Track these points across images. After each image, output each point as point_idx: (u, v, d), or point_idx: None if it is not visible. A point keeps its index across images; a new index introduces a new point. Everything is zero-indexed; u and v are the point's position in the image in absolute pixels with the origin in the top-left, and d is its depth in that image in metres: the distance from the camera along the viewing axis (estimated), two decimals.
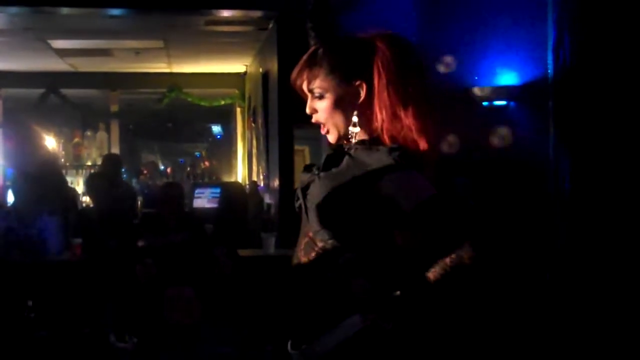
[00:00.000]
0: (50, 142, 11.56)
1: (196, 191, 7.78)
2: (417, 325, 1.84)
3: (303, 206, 1.91)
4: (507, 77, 4.78)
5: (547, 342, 4.27)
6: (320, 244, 1.85)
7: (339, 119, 1.90)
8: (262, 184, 8.68)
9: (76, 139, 11.82)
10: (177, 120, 14.80)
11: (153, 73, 11.16)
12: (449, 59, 4.60)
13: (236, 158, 12.32)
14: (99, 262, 4.94)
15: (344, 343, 1.79)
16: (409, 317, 1.81)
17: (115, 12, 7.03)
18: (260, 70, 8.87)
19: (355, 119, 1.89)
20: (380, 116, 1.86)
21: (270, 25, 7.47)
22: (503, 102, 4.77)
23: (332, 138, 1.95)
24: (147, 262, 4.48)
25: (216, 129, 16.67)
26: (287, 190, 6.99)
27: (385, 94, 1.85)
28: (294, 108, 2.03)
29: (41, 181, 5.63)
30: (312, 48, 1.96)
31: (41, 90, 11.13)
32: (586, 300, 4.23)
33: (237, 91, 11.41)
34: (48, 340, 4.59)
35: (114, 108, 12.03)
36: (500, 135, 4.73)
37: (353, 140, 1.90)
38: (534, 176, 4.59)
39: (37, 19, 7.63)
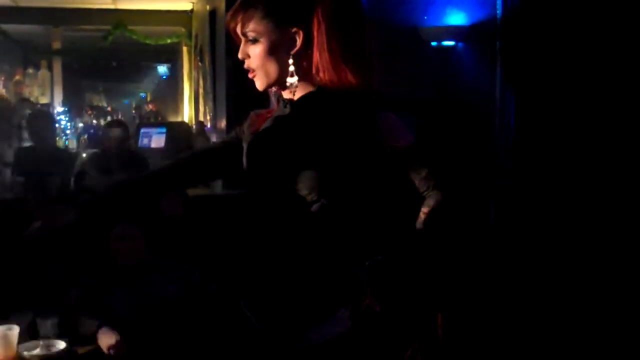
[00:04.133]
0: None
1: (142, 131, 7.63)
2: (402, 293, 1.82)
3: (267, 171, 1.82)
4: (456, 17, 4.77)
5: (489, 281, 4.36)
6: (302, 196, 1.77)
7: (271, 66, 1.80)
8: (209, 125, 8.60)
9: (17, 77, 11.54)
10: (122, 59, 14.52)
11: (97, 9, 10.88)
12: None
13: (182, 98, 12.17)
14: (42, 201, 4.86)
15: (335, 339, 1.74)
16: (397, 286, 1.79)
17: None
18: (208, 7, 8.71)
19: (291, 68, 1.79)
20: (322, 67, 1.77)
21: None
22: (451, 42, 4.76)
23: (259, 84, 1.84)
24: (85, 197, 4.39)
25: (162, 69, 16.40)
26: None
27: (325, 44, 1.76)
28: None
29: None
30: None
31: None
32: (531, 238, 4.33)
33: (183, 29, 11.21)
34: None
35: (57, 45, 11.73)
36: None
37: (293, 92, 1.81)
38: (480, 115, 4.63)
39: None
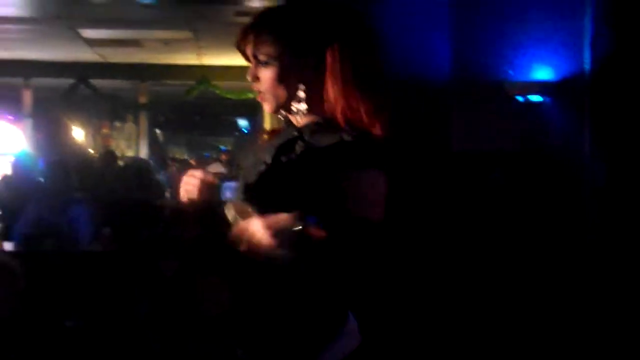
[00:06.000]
0: (79, 133, 11.63)
1: (224, 185, 7.74)
2: None
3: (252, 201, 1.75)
4: (543, 72, 4.70)
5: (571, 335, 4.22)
6: None
7: (281, 91, 1.75)
8: None
9: (104, 130, 11.89)
10: (204, 113, 14.81)
11: (182, 65, 11.16)
12: None
13: None
14: (129, 253, 4.93)
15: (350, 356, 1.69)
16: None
17: (145, 1, 7.03)
18: None
19: (301, 94, 1.74)
20: (333, 95, 1.70)
21: None
22: (538, 98, 4.69)
23: (268, 107, 1.79)
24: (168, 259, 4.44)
25: (243, 122, 16.65)
26: None
27: (339, 74, 1.70)
28: None
29: (70, 171, 5.65)
30: (262, 9, 1.79)
31: (70, 81, 11.19)
32: (617, 298, 4.18)
33: None
34: (77, 331, 4.59)
35: (143, 99, 12.06)
36: None
37: (298, 118, 1.76)
38: (568, 173, 4.52)
39: (68, 8, 7.65)
